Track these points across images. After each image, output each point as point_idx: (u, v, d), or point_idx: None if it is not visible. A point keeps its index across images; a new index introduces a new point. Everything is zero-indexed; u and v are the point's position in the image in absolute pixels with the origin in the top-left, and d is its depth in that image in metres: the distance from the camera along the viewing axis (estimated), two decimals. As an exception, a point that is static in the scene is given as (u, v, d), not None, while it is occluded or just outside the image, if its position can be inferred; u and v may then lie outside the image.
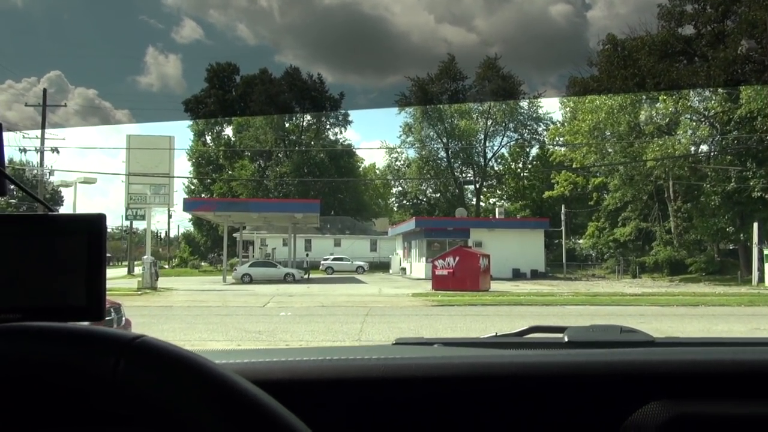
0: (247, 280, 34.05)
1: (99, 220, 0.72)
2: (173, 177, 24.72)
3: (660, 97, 32.26)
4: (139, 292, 22.71)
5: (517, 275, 39.85)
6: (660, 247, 41.12)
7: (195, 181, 73.01)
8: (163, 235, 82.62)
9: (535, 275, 40.30)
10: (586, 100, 35.49)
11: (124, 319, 7.34)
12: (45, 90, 36.85)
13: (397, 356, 1.09)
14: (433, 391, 0.99)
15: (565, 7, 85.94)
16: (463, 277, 23.98)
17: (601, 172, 48.39)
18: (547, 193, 52.08)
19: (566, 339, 1.38)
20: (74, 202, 24.08)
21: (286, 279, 34.33)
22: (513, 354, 1.19)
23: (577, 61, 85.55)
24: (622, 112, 35.46)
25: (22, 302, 0.70)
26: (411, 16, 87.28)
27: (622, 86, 35.57)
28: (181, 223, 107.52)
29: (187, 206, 33.35)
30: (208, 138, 75.05)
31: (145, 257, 23.75)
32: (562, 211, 42.59)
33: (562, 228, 42.20)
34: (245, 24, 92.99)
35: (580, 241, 56.39)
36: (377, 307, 18.14)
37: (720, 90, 30.05)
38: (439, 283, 24.56)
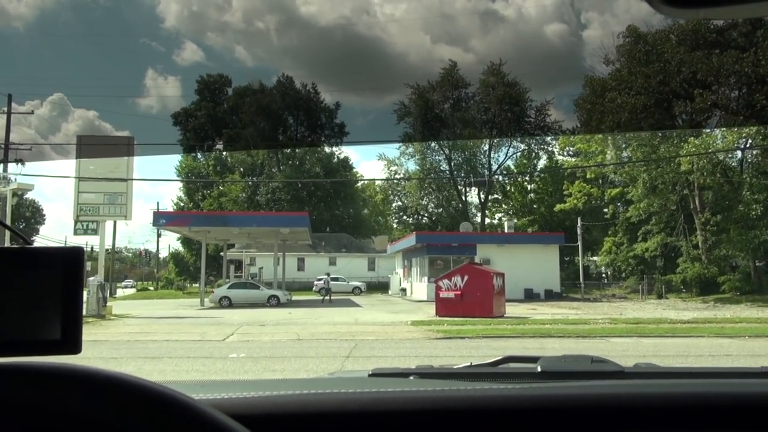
0: (225, 303, 30.05)
1: (76, 253, 0.72)
2: (131, 179, 20.81)
3: (695, 91, 28.43)
4: (79, 322, 18.67)
5: (530, 296, 35.85)
6: (687, 263, 37.05)
7: (185, 198, 69.45)
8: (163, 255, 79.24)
9: (550, 296, 36.28)
10: (606, 100, 31.65)
11: None
12: (10, 96, 33.25)
13: (373, 389, 1.09)
14: (408, 424, 0.99)
15: (560, 26, 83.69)
16: (474, 300, 19.94)
17: (619, 181, 44.56)
18: (558, 206, 48.13)
19: (539, 369, 1.40)
20: (9, 214, 20.19)
21: (269, 302, 30.29)
22: (487, 387, 1.17)
23: (574, 79, 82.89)
24: (645, 113, 31.64)
25: None
26: (407, 36, 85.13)
27: (644, 84, 31.79)
28: (172, 242, 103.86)
29: (158, 220, 29.44)
30: (199, 153, 71.48)
31: (91, 279, 19.81)
32: (578, 225, 38.57)
33: (579, 243, 38.15)
34: (243, 46, 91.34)
35: (595, 258, 52.29)
36: (366, 340, 14.15)
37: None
38: (445, 307, 20.53)
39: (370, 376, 1.46)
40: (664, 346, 12.70)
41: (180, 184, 70.73)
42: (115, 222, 48.49)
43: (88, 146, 21.99)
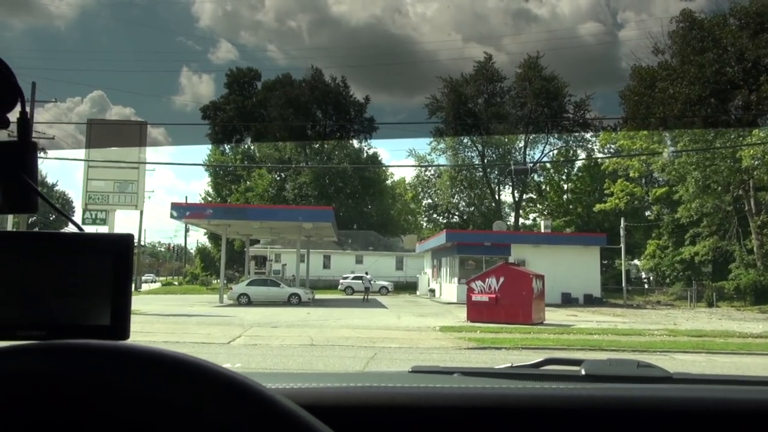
0: (244, 301, 28.57)
1: (127, 240, 0.74)
2: (145, 163, 19.41)
3: (762, 78, 25.79)
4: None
5: (568, 300, 33.51)
6: (741, 269, 34.23)
7: (213, 192, 68.73)
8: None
9: (590, 301, 33.86)
10: (656, 90, 29.10)
11: None
12: (34, 84, 32.46)
13: (421, 385, 1.10)
14: (453, 420, 0.99)
15: (594, 26, 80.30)
16: (510, 304, 17.91)
17: (664, 180, 41.79)
18: (598, 206, 45.46)
19: (583, 372, 1.36)
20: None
21: (290, 300, 28.72)
22: (531, 386, 1.15)
23: (609, 81, 79.34)
24: (699, 104, 29.02)
25: (47, 319, 0.71)
26: (438, 35, 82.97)
27: (697, 74, 29.17)
28: (200, 237, 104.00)
29: (176, 212, 28.10)
30: (227, 147, 70.61)
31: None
32: (622, 225, 35.99)
33: (622, 245, 35.60)
34: (275, 45, 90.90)
35: (636, 261, 49.39)
36: (388, 348, 12.33)
37: None
38: (477, 312, 18.55)
39: (410, 372, 1.45)
40: (745, 366, 10.55)
41: (209, 179, 70.14)
42: (141, 214, 47.84)
43: (99, 131, 20.66)
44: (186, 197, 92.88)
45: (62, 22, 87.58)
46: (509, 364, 1.55)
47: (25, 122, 0.76)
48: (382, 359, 10.65)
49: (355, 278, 43.78)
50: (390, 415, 0.98)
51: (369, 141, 62.17)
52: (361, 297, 35.13)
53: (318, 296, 32.80)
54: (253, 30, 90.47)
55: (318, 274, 47.49)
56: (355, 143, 63.38)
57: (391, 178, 67.79)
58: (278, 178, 62.80)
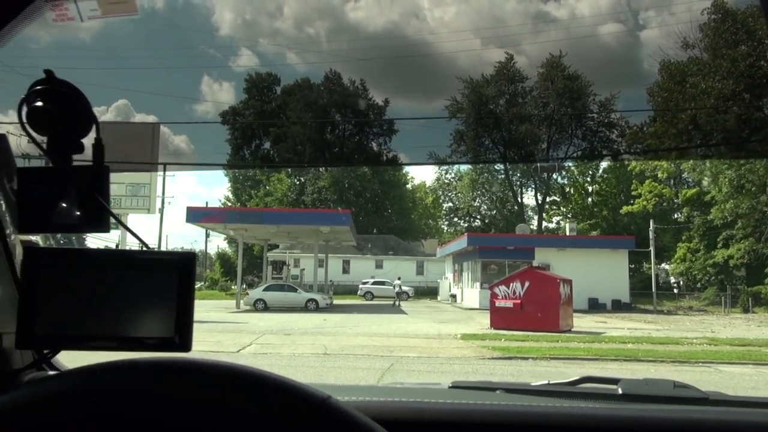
0: (260, 306, 27.96)
1: (190, 257, 0.79)
2: (158, 163, 18.93)
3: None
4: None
5: (595, 306, 32.31)
6: (777, 273, 32.67)
7: (233, 197, 68.69)
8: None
9: (618, 306, 32.58)
10: (687, 86, 27.86)
11: None
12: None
13: (456, 401, 1.14)
14: None
15: (616, 27, 78.19)
16: (536, 310, 16.93)
17: (693, 181, 40.29)
18: (625, 208, 44.04)
19: (620, 391, 1.37)
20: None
21: (307, 306, 28.03)
22: (570, 404, 1.16)
23: (635, 79, 77.18)
24: (732, 99, 27.70)
25: (117, 332, 0.76)
26: (457, 39, 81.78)
27: (730, 68, 27.87)
28: (220, 243, 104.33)
29: (192, 216, 27.65)
30: (246, 152, 70.51)
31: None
32: (651, 228, 34.63)
33: (651, 248, 34.23)
34: (294, 51, 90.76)
35: (665, 265, 47.74)
36: (405, 358, 11.52)
37: None
38: (501, 318, 17.60)
39: (450, 387, 1.46)
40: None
41: (228, 185, 70.18)
42: (161, 218, 47.83)
43: (110, 133, 20.21)
44: (206, 202, 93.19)
45: (87, 35, 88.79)
46: (546, 381, 1.54)
47: (99, 147, 0.81)
48: (398, 371, 9.83)
49: (375, 283, 43.04)
50: (433, 431, 0.99)
51: (389, 144, 61.47)
52: (381, 302, 34.46)
53: (337, 301, 32.11)
54: (272, 37, 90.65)
55: (337, 279, 46.83)
56: (374, 146, 62.76)
57: (412, 182, 67.08)
58: (297, 183, 62.39)
